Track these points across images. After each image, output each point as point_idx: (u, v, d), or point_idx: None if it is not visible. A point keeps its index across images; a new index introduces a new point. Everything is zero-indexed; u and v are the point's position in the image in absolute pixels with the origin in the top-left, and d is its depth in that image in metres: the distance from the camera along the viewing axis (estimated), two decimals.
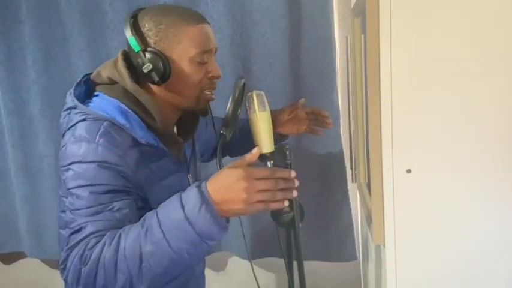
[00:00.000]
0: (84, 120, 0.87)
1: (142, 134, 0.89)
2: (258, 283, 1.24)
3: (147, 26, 0.91)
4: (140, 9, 0.95)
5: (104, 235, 0.79)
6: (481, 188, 0.91)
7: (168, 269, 0.77)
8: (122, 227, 0.80)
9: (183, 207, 0.75)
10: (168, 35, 0.90)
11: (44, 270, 1.95)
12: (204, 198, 0.74)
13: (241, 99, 1.13)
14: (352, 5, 1.41)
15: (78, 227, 0.80)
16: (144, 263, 0.75)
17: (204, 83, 0.95)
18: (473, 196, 0.92)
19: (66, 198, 0.86)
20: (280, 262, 1.48)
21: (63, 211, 0.92)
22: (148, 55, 0.89)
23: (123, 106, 0.90)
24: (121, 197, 0.83)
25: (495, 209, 0.91)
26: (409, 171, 0.92)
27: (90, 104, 0.92)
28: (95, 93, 0.94)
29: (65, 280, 0.82)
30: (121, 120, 0.88)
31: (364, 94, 1.20)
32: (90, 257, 0.77)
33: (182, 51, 0.91)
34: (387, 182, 0.93)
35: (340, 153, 1.56)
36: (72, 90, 0.93)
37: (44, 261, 1.95)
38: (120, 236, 0.78)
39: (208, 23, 0.96)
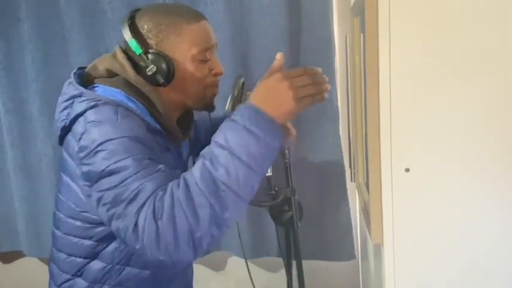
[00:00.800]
0: (94, 106, 0.83)
1: (152, 122, 0.88)
2: (253, 283, 1.22)
3: (146, 27, 0.89)
4: (136, 11, 0.93)
5: (165, 188, 0.74)
6: (480, 187, 0.91)
7: (245, 187, 0.73)
8: None
9: (239, 123, 0.73)
10: (169, 35, 0.89)
11: (42, 269, 1.95)
12: (256, 109, 0.73)
13: (240, 98, 1.13)
14: (351, 4, 1.41)
15: (134, 192, 0.74)
16: (221, 187, 0.71)
17: (207, 80, 0.95)
18: (471, 195, 0.92)
19: (93, 187, 0.79)
20: (279, 261, 1.48)
21: (69, 216, 0.89)
22: (150, 57, 0.88)
23: (128, 95, 0.88)
24: (160, 164, 0.79)
25: (494, 208, 0.92)
26: (407, 170, 0.92)
27: (95, 92, 0.88)
28: (94, 85, 0.90)
29: (140, 248, 0.73)
30: (132, 106, 0.86)
31: (363, 93, 1.20)
32: (163, 206, 0.71)
33: (184, 50, 0.90)
34: (386, 181, 0.93)
35: (339, 152, 1.56)
36: (72, 80, 0.90)
37: (42, 260, 1.95)
38: (184, 177, 0.74)
39: (206, 19, 0.96)
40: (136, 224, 0.72)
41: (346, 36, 1.35)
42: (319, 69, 0.80)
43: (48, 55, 1.67)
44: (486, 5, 0.86)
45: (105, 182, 0.77)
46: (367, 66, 0.95)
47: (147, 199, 0.73)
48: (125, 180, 0.75)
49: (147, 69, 0.87)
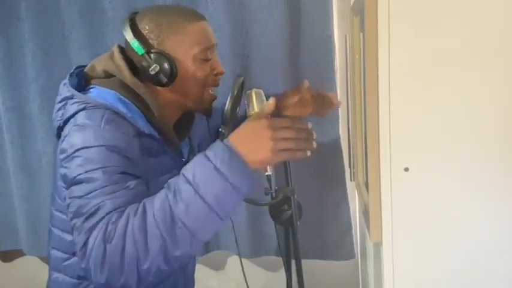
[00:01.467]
0: (84, 109, 0.84)
1: (144, 125, 0.88)
2: (246, 282, 1.22)
3: (147, 27, 0.90)
4: (135, 13, 0.94)
5: (123, 211, 0.73)
6: (479, 186, 0.91)
7: (202, 227, 0.71)
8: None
9: (210, 160, 0.72)
10: (170, 35, 0.90)
11: (42, 268, 1.95)
12: (231, 150, 0.73)
13: (240, 97, 1.13)
14: (351, 4, 1.41)
15: (94, 208, 0.74)
16: (177, 223, 0.69)
17: (208, 80, 0.95)
18: (471, 194, 0.92)
19: (66, 192, 0.80)
20: (279, 261, 1.48)
21: (58, 209, 0.90)
22: (153, 56, 0.88)
23: (122, 97, 0.88)
24: (133, 178, 0.79)
25: (493, 207, 0.92)
26: (406, 169, 0.92)
27: (87, 94, 0.89)
28: (90, 86, 0.91)
29: (85, 268, 0.73)
30: (122, 109, 0.86)
31: (363, 93, 1.20)
32: (115, 230, 0.70)
33: (185, 49, 0.91)
34: (385, 180, 0.93)
35: (339, 151, 1.56)
36: (66, 81, 0.91)
37: (42, 259, 1.95)
38: (144, 204, 0.73)
39: (206, 19, 0.96)
40: (86, 242, 0.72)
41: (346, 35, 1.35)
42: (310, 124, 0.80)
43: (48, 54, 1.68)
44: (487, 4, 0.86)
45: (75, 190, 0.77)
46: (366, 65, 0.95)
47: (102, 218, 0.73)
48: (90, 192, 0.75)
49: (150, 69, 0.87)
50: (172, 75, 0.90)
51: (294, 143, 0.76)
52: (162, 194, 0.73)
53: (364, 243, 1.48)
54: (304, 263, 1.34)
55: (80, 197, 0.76)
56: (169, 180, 0.75)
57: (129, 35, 0.89)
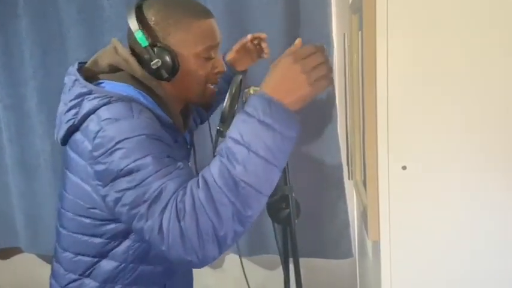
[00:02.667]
0: (108, 103, 0.81)
1: (163, 115, 0.87)
2: (247, 280, 1.22)
3: (153, 19, 0.88)
4: (143, 0, 0.91)
5: (185, 187, 0.72)
6: (477, 184, 0.91)
7: (265, 182, 0.70)
8: None
9: (252, 116, 0.70)
10: (176, 30, 0.88)
11: (40, 265, 1.95)
12: (269, 99, 0.70)
13: (238, 95, 1.13)
14: (350, 2, 1.41)
15: (157, 191, 0.72)
16: (240, 184, 0.68)
17: (209, 78, 0.95)
18: (468, 193, 0.92)
19: (106, 188, 0.77)
20: (277, 259, 1.48)
21: (83, 215, 0.87)
22: (156, 50, 0.86)
23: (137, 90, 0.87)
24: (177, 160, 0.78)
25: (491, 206, 0.92)
26: (404, 168, 0.92)
27: (104, 88, 0.86)
28: (99, 81, 0.88)
29: (167, 251, 0.71)
30: (144, 101, 0.84)
31: (361, 91, 1.20)
32: (184, 207, 0.70)
33: (190, 46, 0.89)
34: (383, 179, 0.93)
35: (337, 150, 1.56)
36: (78, 77, 0.86)
37: (40, 256, 1.95)
38: (202, 175, 0.72)
39: (213, 16, 0.95)
40: (161, 226, 0.71)
41: (344, 34, 1.35)
42: (323, 46, 0.75)
43: (47, 51, 1.68)
44: (486, 2, 0.86)
45: (124, 182, 0.75)
46: (364, 63, 0.95)
47: (169, 199, 0.71)
48: (145, 179, 0.73)
49: (152, 63, 0.86)
50: (174, 71, 0.89)
51: (325, 68, 0.72)
52: (216, 161, 0.72)
53: (362, 241, 1.48)
54: (302, 261, 1.34)
55: (135, 186, 0.74)
56: (218, 147, 0.74)
57: (133, 25, 0.86)
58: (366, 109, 0.95)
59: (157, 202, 0.72)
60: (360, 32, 1.17)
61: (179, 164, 0.77)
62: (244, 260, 1.75)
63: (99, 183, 0.79)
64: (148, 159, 0.74)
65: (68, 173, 0.88)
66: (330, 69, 0.73)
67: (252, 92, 1.18)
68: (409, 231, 0.94)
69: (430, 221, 0.93)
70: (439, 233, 0.93)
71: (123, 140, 0.76)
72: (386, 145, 0.92)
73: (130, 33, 0.89)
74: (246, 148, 0.69)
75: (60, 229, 0.92)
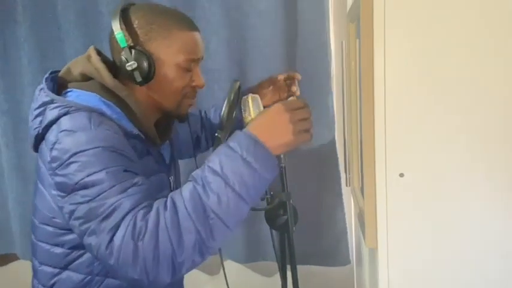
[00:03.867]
0: (67, 113, 0.80)
1: (128, 126, 0.86)
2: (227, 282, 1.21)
3: (137, 22, 0.88)
4: (131, 4, 0.91)
5: (147, 206, 0.72)
6: (475, 192, 0.92)
7: (234, 216, 0.72)
8: (155, 200, 0.74)
9: (236, 151, 0.72)
10: (158, 36, 0.88)
11: None
12: (255, 139, 0.73)
13: (236, 102, 1.13)
14: (347, 10, 1.42)
15: (111, 208, 0.71)
16: (210, 215, 0.69)
17: (186, 90, 0.94)
18: (466, 200, 0.92)
19: (64, 199, 0.76)
20: (274, 266, 1.48)
21: (44, 223, 0.86)
22: (134, 53, 0.85)
23: (103, 99, 0.86)
24: (136, 175, 0.77)
25: (489, 213, 0.92)
26: (401, 175, 0.92)
27: (67, 98, 0.85)
28: (67, 90, 0.87)
29: (113, 266, 0.70)
30: (106, 111, 0.83)
31: (359, 99, 1.20)
32: (146, 226, 0.69)
33: (170, 55, 0.89)
34: (380, 186, 0.94)
35: (335, 157, 1.57)
36: (43, 86, 0.87)
37: None
38: (172, 198, 0.72)
39: (199, 30, 0.95)
40: (110, 241, 0.70)
41: (342, 42, 1.36)
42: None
43: (45, 57, 1.67)
44: (483, 12, 0.87)
45: (79, 196, 0.74)
46: (362, 71, 0.96)
47: (123, 217, 0.71)
48: (99, 194, 0.73)
49: (127, 64, 0.85)
50: (149, 76, 0.87)
51: (309, 123, 0.79)
52: (189, 187, 0.72)
53: (359, 248, 1.48)
54: (300, 268, 1.34)
55: (88, 201, 0.73)
56: (192, 173, 0.74)
57: (116, 25, 0.87)
58: (363, 116, 0.96)
59: (109, 219, 0.71)
60: (357, 40, 1.18)
61: (136, 179, 0.76)
62: (241, 267, 1.76)
63: (59, 193, 0.78)
64: (103, 174, 0.74)
65: (37, 180, 0.88)
66: (311, 125, 0.80)
67: (250, 99, 1.18)
68: (406, 239, 0.95)
69: (428, 228, 0.94)
70: (437, 241, 0.94)
71: (78, 153, 0.75)
72: (383, 153, 0.93)
73: (112, 35, 0.89)
74: (223, 180, 0.71)
75: (32, 237, 0.93)
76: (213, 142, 1.08)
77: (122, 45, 0.86)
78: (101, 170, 0.74)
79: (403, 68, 0.90)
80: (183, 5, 1.53)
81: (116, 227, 0.70)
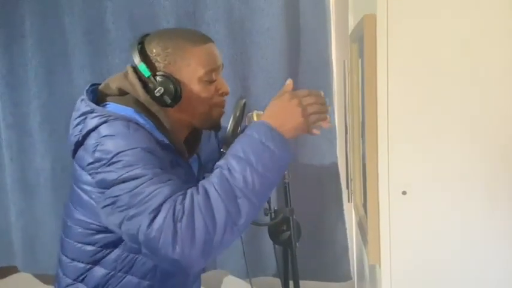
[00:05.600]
0: (105, 122, 0.87)
1: (160, 137, 0.91)
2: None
3: (154, 51, 0.93)
4: (145, 36, 0.97)
5: (184, 193, 0.78)
6: (476, 209, 0.93)
7: (261, 194, 0.80)
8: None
9: (254, 137, 0.81)
10: (176, 58, 0.93)
11: (36, 285, 1.93)
12: (270, 126, 0.82)
13: (241, 119, 1.15)
14: (349, 31, 1.46)
15: (151, 195, 0.77)
16: (238, 194, 0.77)
17: (214, 100, 0.98)
18: (468, 218, 0.94)
19: (104, 194, 0.82)
20: (276, 281, 1.48)
21: (73, 223, 0.92)
22: (158, 79, 0.91)
23: (138, 112, 0.92)
24: (171, 175, 0.83)
25: (491, 230, 0.93)
26: (404, 193, 0.94)
27: (106, 109, 0.92)
28: (105, 103, 0.94)
29: (152, 248, 0.75)
30: (141, 121, 0.90)
31: (361, 116, 1.23)
32: (184, 209, 0.75)
33: (191, 72, 0.93)
34: (383, 204, 0.95)
35: (336, 173, 1.58)
36: (84, 97, 0.94)
37: (36, 276, 1.93)
38: (203, 184, 0.79)
39: (212, 41, 0.99)
40: (151, 223, 0.76)
41: (344, 61, 1.39)
42: (322, 92, 0.90)
43: (51, 71, 1.70)
44: (485, 27, 0.90)
45: (119, 189, 0.80)
46: (365, 91, 0.98)
47: (164, 200, 0.77)
48: (139, 186, 0.79)
49: (156, 91, 0.91)
50: (177, 97, 0.93)
51: (318, 107, 0.87)
52: (216, 173, 0.80)
53: (361, 264, 1.48)
54: (301, 283, 1.34)
55: (129, 191, 0.79)
56: (218, 163, 0.82)
57: (136, 58, 0.93)
58: (367, 135, 0.98)
59: (149, 202, 0.77)
60: (359, 60, 1.21)
61: (170, 177, 0.82)
62: (242, 282, 1.75)
63: (100, 191, 0.84)
64: (142, 169, 0.80)
65: (73, 185, 0.93)
66: (324, 109, 0.88)
67: (255, 116, 1.21)
68: (409, 255, 0.96)
69: (430, 246, 0.95)
70: (439, 257, 0.95)
71: (119, 153, 0.82)
72: (386, 170, 0.95)
73: (136, 66, 0.95)
74: (247, 163, 0.79)
75: (62, 235, 0.98)
76: (219, 158, 1.10)
77: (146, 75, 0.92)
78: (140, 166, 0.81)
79: (406, 87, 0.93)
80: (187, 23, 1.57)
81: (157, 210, 0.76)
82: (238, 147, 0.82)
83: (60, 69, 1.70)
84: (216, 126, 1.03)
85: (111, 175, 0.81)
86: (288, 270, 1.34)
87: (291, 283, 1.34)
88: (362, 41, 1.01)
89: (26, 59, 1.71)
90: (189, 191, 0.78)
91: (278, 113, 0.85)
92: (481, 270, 0.94)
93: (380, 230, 0.96)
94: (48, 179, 1.75)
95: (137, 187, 0.79)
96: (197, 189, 0.78)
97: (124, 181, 0.80)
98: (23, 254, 1.83)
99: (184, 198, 0.77)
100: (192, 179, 1.02)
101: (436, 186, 0.94)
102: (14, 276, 1.95)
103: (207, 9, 1.57)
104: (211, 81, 0.96)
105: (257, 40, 1.55)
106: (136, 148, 0.82)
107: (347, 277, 1.63)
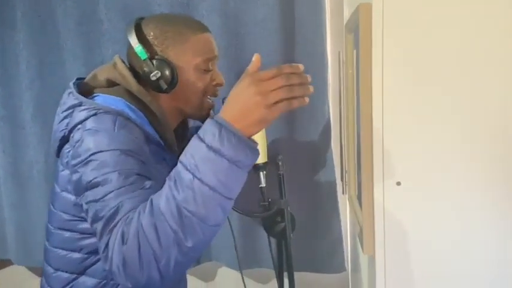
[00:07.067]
0: (95, 114, 0.82)
1: (151, 131, 0.88)
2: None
3: (152, 34, 0.91)
4: (141, 18, 0.95)
5: (133, 212, 0.71)
6: (470, 199, 0.94)
7: (210, 211, 0.67)
8: None
9: (202, 140, 0.68)
10: (174, 43, 0.91)
11: (30, 277, 1.92)
12: (220, 123, 0.68)
13: None
14: (344, 22, 1.45)
15: (113, 210, 0.71)
16: (183, 213, 0.66)
17: (208, 90, 0.97)
18: (462, 208, 0.94)
19: (79, 198, 0.78)
20: (271, 272, 1.49)
21: (61, 227, 0.87)
22: (155, 62, 0.89)
23: (129, 104, 0.88)
24: (148, 179, 0.77)
25: (485, 220, 0.94)
26: (398, 183, 0.94)
27: (95, 101, 0.87)
28: (94, 94, 0.90)
29: (109, 271, 0.70)
30: (132, 115, 0.85)
31: (356, 108, 1.23)
32: (129, 231, 0.68)
33: (188, 59, 0.92)
34: (377, 195, 0.95)
35: (331, 165, 1.58)
36: (72, 90, 0.89)
37: (30, 268, 1.92)
38: (151, 199, 0.70)
39: (210, 31, 0.98)
40: (107, 245, 0.70)
41: (339, 52, 1.39)
42: (300, 66, 0.70)
43: (43, 63, 1.68)
44: (480, 21, 0.89)
45: (90, 195, 0.76)
46: (360, 81, 0.98)
47: (120, 219, 0.70)
48: (106, 194, 0.73)
49: (152, 74, 0.88)
50: (173, 82, 0.90)
51: (287, 90, 0.67)
52: (166, 185, 0.71)
53: (355, 256, 1.49)
54: (296, 275, 1.35)
55: (97, 200, 0.74)
56: (173, 169, 0.72)
57: (133, 40, 0.89)
58: (362, 126, 0.98)
59: (110, 221, 0.71)
60: (354, 51, 1.20)
61: (146, 183, 0.76)
62: (236, 273, 1.76)
63: (75, 191, 0.80)
64: (115, 175, 0.74)
65: (55, 185, 0.90)
66: (301, 90, 0.69)
67: None
68: (403, 246, 0.96)
69: (424, 236, 0.95)
70: (433, 248, 0.95)
71: (97, 153, 0.77)
72: (381, 161, 0.95)
73: (130, 49, 0.92)
74: (191, 174, 0.67)
75: (46, 243, 0.93)
76: None
77: (142, 58, 0.88)
78: (114, 171, 0.75)
79: (401, 77, 0.93)
80: (182, 13, 1.55)
81: (111, 231, 0.71)
82: (187, 152, 0.70)
83: (52, 60, 1.67)
84: (205, 117, 1.00)
85: (86, 176, 0.77)
86: (282, 262, 1.35)
87: (285, 275, 1.34)
88: (357, 31, 1.01)
89: (18, 50, 1.68)
90: (138, 209, 0.70)
91: (234, 104, 0.68)
92: (475, 261, 0.95)
93: (374, 221, 0.96)
94: (41, 171, 1.73)
95: (104, 196, 0.73)
96: (145, 205, 0.70)
97: (95, 186, 0.75)
98: (17, 247, 1.82)
99: (132, 218, 0.69)
100: None
101: (430, 177, 0.94)
102: (8, 269, 1.95)
103: (202, 0, 1.55)
104: (207, 71, 0.95)
105: (252, 31, 1.54)
106: (116, 150, 0.77)
107: (341, 268, 1.64)
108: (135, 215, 0.70)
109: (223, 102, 1.21)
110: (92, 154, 0.77)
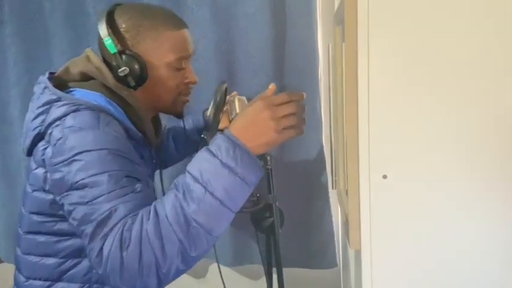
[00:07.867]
0: (76, 110, 0.79)
1: (131, 126, 0.86)
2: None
3: (124, 26, 0.87)
4: (116, 5, 0.91)
5: (136, 215, 0.71)
6: (457, 193, 0.93)
7: (217, 223, 0.70)
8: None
9: (215, 156, 0.69)
10: (146, 38, 0.88)
11: None
12: (234, 142, 0.70)
13: (223, 104, 1.13)
14: (334, 12, 1.43)
15: (106, 213, 0.70)
16: (191, 224, 0.67)
17: (180, 88, 0.94)
18: (448, 201, 0.93)
19: (61, 197, 0.76)
20: (261, 269, 1.48)
21: (34, 231, 0.84)
22: (125, 58, 0.85)
23: (108, 99, 0.85)
24: (137, 181, 0.76)
25: (472, 213, 0.93)
26: (385, 177, 0.93)
27: (74, 96, 0.84)
28: (70, 89, 0.86)
29: (102, 275, 0.70)
30: (114, 111, 0.83)
31: (344, 102, 1.21)
32: (131, 237, 0.68)
33: (160, 56, 0.89)
34: (363, 188, 0.94)
35: (322, 160, 1.57)
36: (48, 85, 0.85)
37: None
38: (155, 207, 0.70)
39: (187, 27, 0.95)
40: (101, 250, 0.69)
41: (328, 44, 1.37)
42: (304, 94, 0.77)
43: (31, 58, 1.66)
44: (467, 16, 0.88)
45: (77, 195, 0.73)
46: (346, 74, 0.96)
47: (115, 224, 0.70)
48: (97, 197, 0.72)
49: (119, 70, 0.85)
50: (142, 79, 0.87)
51: (296, 119, 0.73)
52: (171, 195, 0.71)
53: (345, 250, 1.48)
54: (286, 271, 1.34)
55: (86, 202, 0.72)
56: (175, 180, 0.73)
57: (103, 31, 0.86)
58: (347, 118, 0.96)
59: (103, 225, 0.70)
60: (343, 44, 1.19)
61: (137, 186, 0.75)
62: (227, 270, 1.75)
63: (56, 190, 0.77)
64: (105, 177, 0.73)
65: (27, 186, 0.86)
66: (302, 120, 0.75)
67: (236, 101, 1.19)
68: (390, 240, 0.95)
69: (411, 230, 0.94)
70: (420, 242, 0.94)
71: (83, 152, 0.74)
72: (367, 154, 0.93)
73: (100, 40, 0.88)
74: (203, 187, 0.68)
75: (17, 250, 0.90)
76: (199, 144, 1.08)
77: (112, 52, 0.85)
78: (103, 173, 0.73)
79: (387, 69, 0.91)
80: (171, 7, 1.53)
81: (107, 235, 0.69)
82: (196, 164, 0.71)
83: (40, 55, 1.66)
84: (179, 114, 0.98)
85: (70, 176, 0.73)
86: (271, 258, 1.34)
87: (274, 271, 1.33)
88: (344, 23, 0.99)
89: (5, 46, 1.67)
90: (139, 215, 0.70)
91: (248, 125, 0.71)
92: (463, 257, 0.94)
93: (360, 215, 0.95)
94: None
95: (95, 198, 0.72)
96: (149, 213, 0.70)
97: (83, 187, 0.73)
98: (6, 244, 1.81)
99: (133, 223, 0.69)
100: (151, 169, 0.97)
101: (416, 170, 0.93)
102: None
103: None
104: (179, 69, 0.92)
105: (242, 25, 1.53)
106: (103, 150, 0.74)
107: (333, 264, 1.63)
108: (137, 222, 0.69)
109: (203, 114, 1.21)
110: (77, 154, 0.74)
